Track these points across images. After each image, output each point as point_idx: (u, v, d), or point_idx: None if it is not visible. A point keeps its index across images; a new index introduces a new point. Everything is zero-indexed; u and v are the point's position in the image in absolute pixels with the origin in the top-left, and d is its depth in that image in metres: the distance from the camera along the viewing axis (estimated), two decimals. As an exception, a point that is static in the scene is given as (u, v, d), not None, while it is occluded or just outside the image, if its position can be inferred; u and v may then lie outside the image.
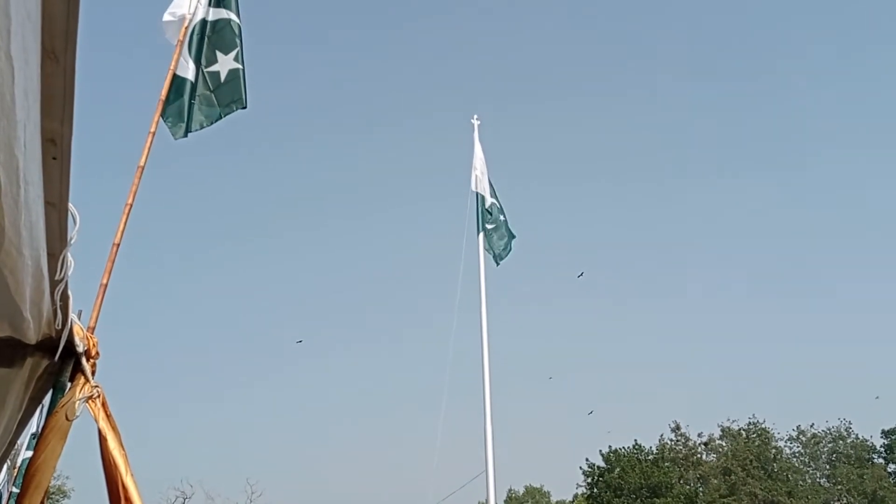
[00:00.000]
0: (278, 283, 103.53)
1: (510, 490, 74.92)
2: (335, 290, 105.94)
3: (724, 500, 44.07)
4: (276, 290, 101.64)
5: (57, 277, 2.15)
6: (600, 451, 49.75)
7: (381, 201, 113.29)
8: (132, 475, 3.21)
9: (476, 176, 14.47)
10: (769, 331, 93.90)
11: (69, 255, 2.21)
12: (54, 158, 1.90)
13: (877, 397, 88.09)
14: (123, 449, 3.30)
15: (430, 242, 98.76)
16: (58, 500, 45.68)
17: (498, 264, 14.19)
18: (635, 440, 49.60)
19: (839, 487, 48.66)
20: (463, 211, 14.12)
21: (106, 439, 3.31)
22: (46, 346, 3.06)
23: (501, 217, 14.46)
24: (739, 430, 50.69)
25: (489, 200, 14.30)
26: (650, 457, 47.69)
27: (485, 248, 13.65)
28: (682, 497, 43.87)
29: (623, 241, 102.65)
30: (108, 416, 3.37)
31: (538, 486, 75.83)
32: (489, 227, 14.09)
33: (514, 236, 14.62)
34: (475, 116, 15.34)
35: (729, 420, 51.31)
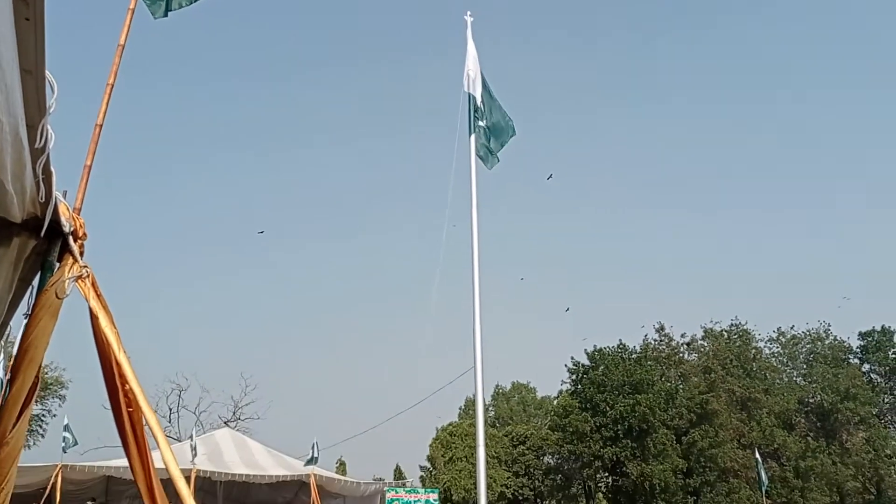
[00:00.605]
0: (272, 174, 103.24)
1: (497, 386, 77.32)
2: (331, 191, 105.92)
3: (703, 396, 45.53)
4: (271, 181, 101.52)
5: (37, 146, 2.13)
6: (585, 350, 51.04)
7: (375, 104, 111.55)
8: (125, 352, 3.28)
9: (468, 76, 14.16)
10: (759, 231, 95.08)
11: (49, 125, 2.18)
12: (27, 20, 1.84)
13: (846, 298, 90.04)
14: (115, 327, 3.35)
15: (425, 148, 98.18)
16: (56, 391, 46.76)
17: (489, 167, 14.07)
18: (620, 340, 50.86)
19: (814, 385, 50.35)
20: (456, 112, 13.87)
21: (97, 318, 3.35)
22: (32, 225, 3.06)
23: (494, 116, 14.23)
24: (721, 331, 51.98)
25: (480, 99, 14.04)
26: (634, 356, 48.96)
27: (476, 151, 13.51)
28: (663, 393, 45.29)
29: (626, 147, 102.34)
30: (98, 295, 3.40)
31: (525, 382, 78.23)
32: (481, 124, 13.91)
33: (513, 133, 14.38)
34: (468, 13, 14.86)
35: (712, 322, 52.50)
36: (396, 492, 29.41)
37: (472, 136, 13.72)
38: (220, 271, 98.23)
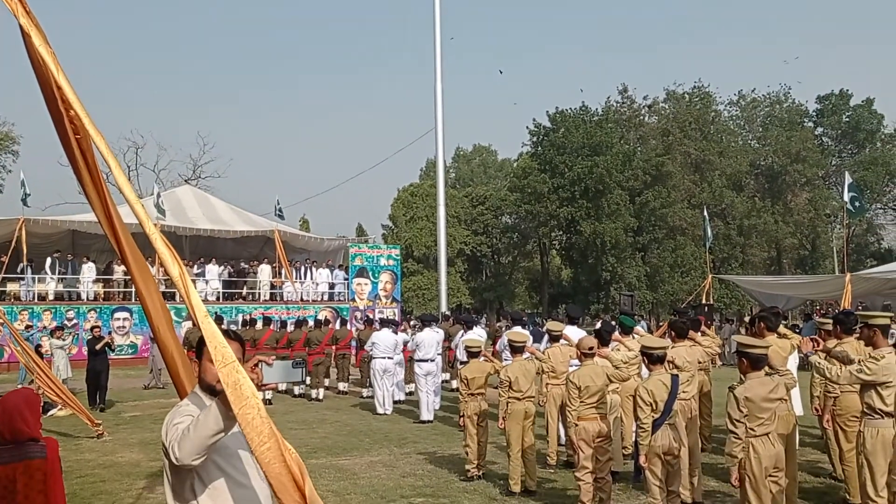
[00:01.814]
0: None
1: (458, 148, 77.62)
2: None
3: (660, 158, 46.33)
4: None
5: None
6: (547, 111, 50.72)
7: None
8: (64, 74, 2.94)
9: None
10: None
11: None
12: None
13: (796, 57, 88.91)
14: (50, 47, 2.98)
15: None
16: (8, 146, 45.81)
17: None
18: (582, 102, 50.52)
19: (767, 149, 51.44)
20: None
21: (29, 37, 2.97)
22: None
23: None
24: (684, 93, 51.80)
25: None
26: (595, 118, 48.90)
27: None
28: (621, 155, 45.91)
29: None
30: (27, 12, 2.99)
31: (486, 144, 78.55)
32: None
33: None
34: None
35: (675, 83, 52.09)
36: (359, 247, 30.25)
37: None
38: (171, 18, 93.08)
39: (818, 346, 6.78)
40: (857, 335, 7.01)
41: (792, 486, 6.63)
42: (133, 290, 24.05)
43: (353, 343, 18.91)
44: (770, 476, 5.40)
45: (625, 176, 45.87)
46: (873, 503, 5.72)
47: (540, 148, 48.89)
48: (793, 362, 8.07)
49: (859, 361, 5.88)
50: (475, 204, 56.04)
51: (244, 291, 28.04)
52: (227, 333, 2.90)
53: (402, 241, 50.76)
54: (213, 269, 27.11)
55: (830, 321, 8.21)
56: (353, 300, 28.56)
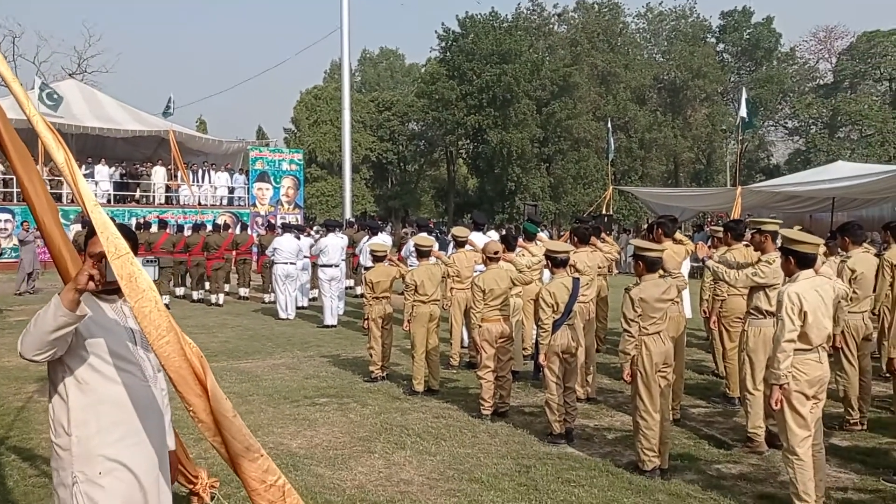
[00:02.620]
0: None
1: (364, 51, 75.45)
2: None
3: (567, 69, 46.45)
4: None
5: None
6: (457, 16, 49.71)
7: None
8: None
9: None
10: None
11: None
12: None
13: None
14: None
15: None
16: None
17: None
18: (492, 7, 49.67)
19: (671, 63, 52.33)
20: None
21: None
22: None
23: None
24: (593, 3, 51.70)
25: None
26: (505, 25, 48.28)
27: None
28: (529, 65, 45.72)
29: None
30: None
31: (393, 48, 76.61)
32: None
33: None
34: None
35: (587, -7, 51.82)
36: (260, 151, 29.36)
37: None
38: None
39: (711, 251, 7.07)
40: (747, 241, 7.34)
41: (678, 382, 7.01)
42: (14, 189, 22.73)
43: (255, 248, 18.56)
44: (659, 371, 5.66)
45: (532, 86, 45.83)
46: (751, 395, 6.11)
47: (448, 54, 48.05)
48: (685, 268, 8.41)
49: (752, 265, 6.15)
50: (381, 109, 55.01)
51: (137, 194, 26.84)
52: (118, 228, 2.72)
53: (306, 145, 49.43)
54: (102, 171, 25.76)
55: (722, 229, 8.57)
56: (254, 205, 27.90)
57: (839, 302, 5.57)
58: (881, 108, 48.34)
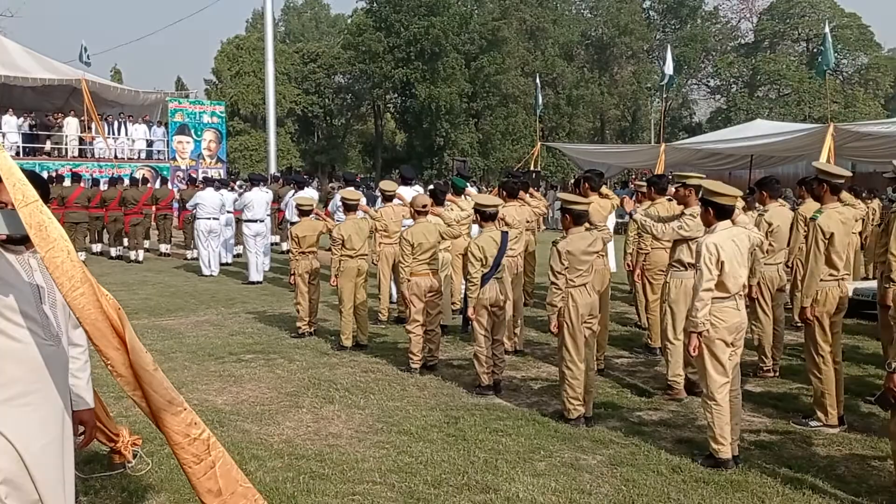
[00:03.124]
0: None
1: (288, 0, 73.26)
2: None
3: (496, 22, 46.22)
4: None
5: None
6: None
7: None
8: None
9: None
10: None
11: None
12: None
13: None
14: None
15: None
16: None
17: None
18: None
19: (598, 19, 52.66)
20: None
21: None
22: None
23: None
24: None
25: None
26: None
27: None
28: (458, 17, 45.29)
29: None
30: None
31: (318, -3, 74.65)
32: None
33: None
34: None
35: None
36: (179, 102, 28.30)
37: None
38: None
39: (637, 205, 7.19)
40: (670, 196, 7.49)
41: (603, 333, 7.18)
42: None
43: (175, 203, 18.01)
44: (585, 323, 5.76)
45: (461, 39, 45.48)
46: (671, 345, 6.31)
47: (375, 4, 47.06)
48: (610, 223, 8.54)
49: (676, 219, 6.28)
50: (306, 61, 53.72)
51: (48, 147, 25.55)
52: (27, 176, 2.54)
53: (227, 97, 47.92)
54: (10, 121, 24.40)
55: (646, 184, 8.72)
56: (174, 159, 26.96)
57: (755, 253, 5.76)
58: (798, 68, 49.90)
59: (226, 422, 5.77)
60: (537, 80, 28.22)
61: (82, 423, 3.03)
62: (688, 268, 6.11)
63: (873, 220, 12.17)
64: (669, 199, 7.46)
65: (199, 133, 27.57)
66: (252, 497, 2.76)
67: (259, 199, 13.86)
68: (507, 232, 6.92)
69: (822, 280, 5.51)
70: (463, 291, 8.31)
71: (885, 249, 6.50)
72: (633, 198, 9.40)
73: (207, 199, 14.51)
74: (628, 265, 8.79)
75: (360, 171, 54.33)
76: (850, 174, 6.88)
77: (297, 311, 8.99)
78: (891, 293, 5.93)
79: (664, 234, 6.15)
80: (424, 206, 7.56)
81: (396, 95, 50.26)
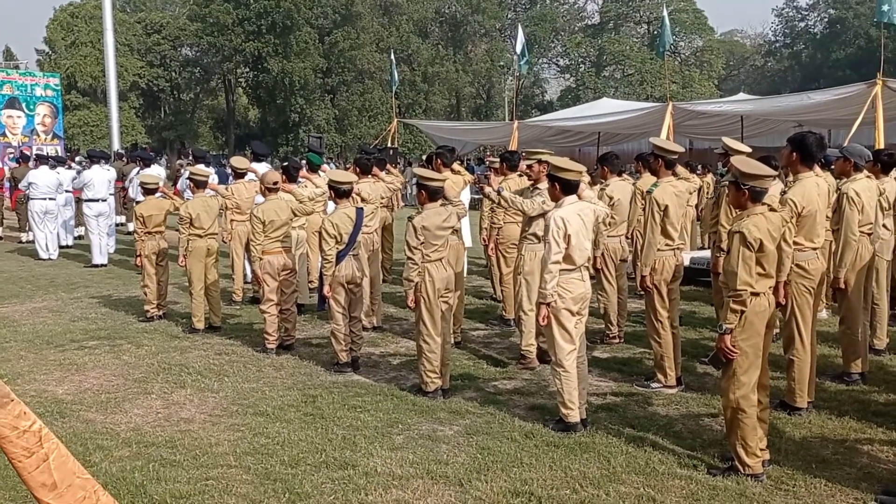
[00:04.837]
0: None
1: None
2: None
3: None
4: None
5: None
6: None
7: None
8: None
9: None
10: None
11: None
12: None
13: None
14: None
15: None
16: None
17: None
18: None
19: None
20: None
21: None
22: None
23: None
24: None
25: None
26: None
27: None
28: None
29: None
30: None
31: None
32: None
33: None
34: None
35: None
36: (8, 73, 26.09)
37: None
38: None
39: (490, 182, 7.30)
40: (520, 172, 7.70)
41: (459, 307, 7.31)
42: None
43: (7, 183, 16.67)
44: (442, 296, 5.85)
45: (314, 13, 44.55)
46: (525, 315, 6.51)
47: (222, -26, 45.22)
48: (465, 198, 8.68)
49: (529, 193, 6.46)
50: (150, 32, 50.83)
51: None
52: None
53: (63, 69, 44.61)
54: None
55: (499, 160, 8.93)
56: (4, 135, 24.87)
57: (599, 226, 6.03)
58: (640, 49, 52.48)
59: (67, 412, 5.45)
60: (392, 57, 28.16)
61: None
62: (541, 240, 6.32)
63: (707, 193, 13.03)
64: (520, 175, 7.67)
65: (31, 107, 25.52)
66: (91, 489, 2.62)
67: (100, 177, 13.07)
68: (362, 208, 6.89)
69: (659, 250, 5.85)
70: (319, 270, 8.22)
71: (717, 221, 7.01)
72: (486, 173, 9.60)
73: (41, 179, 13.53)
74: (484, 239, 8.97)
75: (213, 147, 52.24)
76: (683, 150, 7.35)
77: (145, 294, 8.58)
78: (721, 261, 6.40)
79: (532, 209, 6.27)
80: (275, 183, 7.38)
81: (248, 70, 48.63)
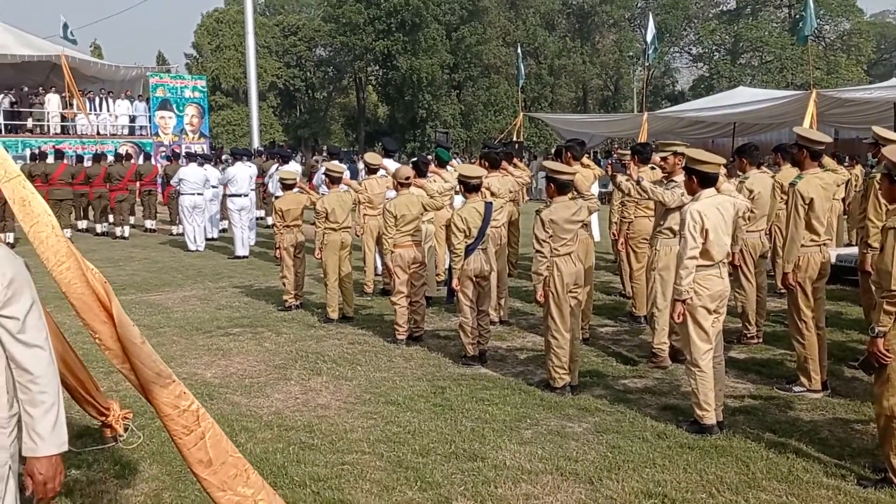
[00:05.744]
0: None
1: (267, -28, 72.13)
2: None
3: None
4: None
5: None
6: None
7: None
8: None
9: None
10: None
11: None
12: None
13: None
14: None
15: None
16: None
17: None
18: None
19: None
20: None
21: None
22: None
23: None
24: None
25: None
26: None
27: None
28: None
29: None
30: None
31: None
32: None
33: None
34: None
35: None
36: (161, 77, 27.96)
37: None
38: None
39: (629, 171, 7.08)
40: (653, 165, 7.49)
41: (588, 302, 7.22)
42: None
43: (160, 179, 17.88)
44: (570, 292, 5.80)
45: (442, 10, 45.05)
46: (659, 312, 6.35)
47: (355, -24, 46.55)
48: (594, 192, 8.54)
49: (665, 186, 6.27)
50: (287, 34, 53.10)
51: (30, 124, 25.24)
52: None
53: (209, 71, 47.32)
54: (-10, 99, 24.10)
55: (629, 152, 8.72)
56: (157, 135, 26.70)
57: (738, 220, 5.79)
58: (780, 35, 49.80)
59: (215, 395, 5.80)
60: (519, 51, 28.08)
61: (30, 476, 2.31)
62: (676, 235, 6.14)
63: (856, 186, 12.25)
64: (652, 168, 7.47)
65: (181, 108, 27.28)
66: (242, 467, 2.79)
67: (242, 173, 13.78)
68: (490, 203, 6.93)
69: (803, 246, 5.56)
70: (447, 263, 8.34)
71: (864, 215, 6.57)
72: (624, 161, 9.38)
73: (190, 175, 14.42)
74: (613, 234, 8.81)
75: (343, 144, 53.91)
76: (830, 140, 6.92)
77: (283, 285, 9.00)
78: (869, 258, 6.01)
79: (673, 200, 6.09)
80: (407, 178, 7.55)
81: (378, 67, 49.84)
